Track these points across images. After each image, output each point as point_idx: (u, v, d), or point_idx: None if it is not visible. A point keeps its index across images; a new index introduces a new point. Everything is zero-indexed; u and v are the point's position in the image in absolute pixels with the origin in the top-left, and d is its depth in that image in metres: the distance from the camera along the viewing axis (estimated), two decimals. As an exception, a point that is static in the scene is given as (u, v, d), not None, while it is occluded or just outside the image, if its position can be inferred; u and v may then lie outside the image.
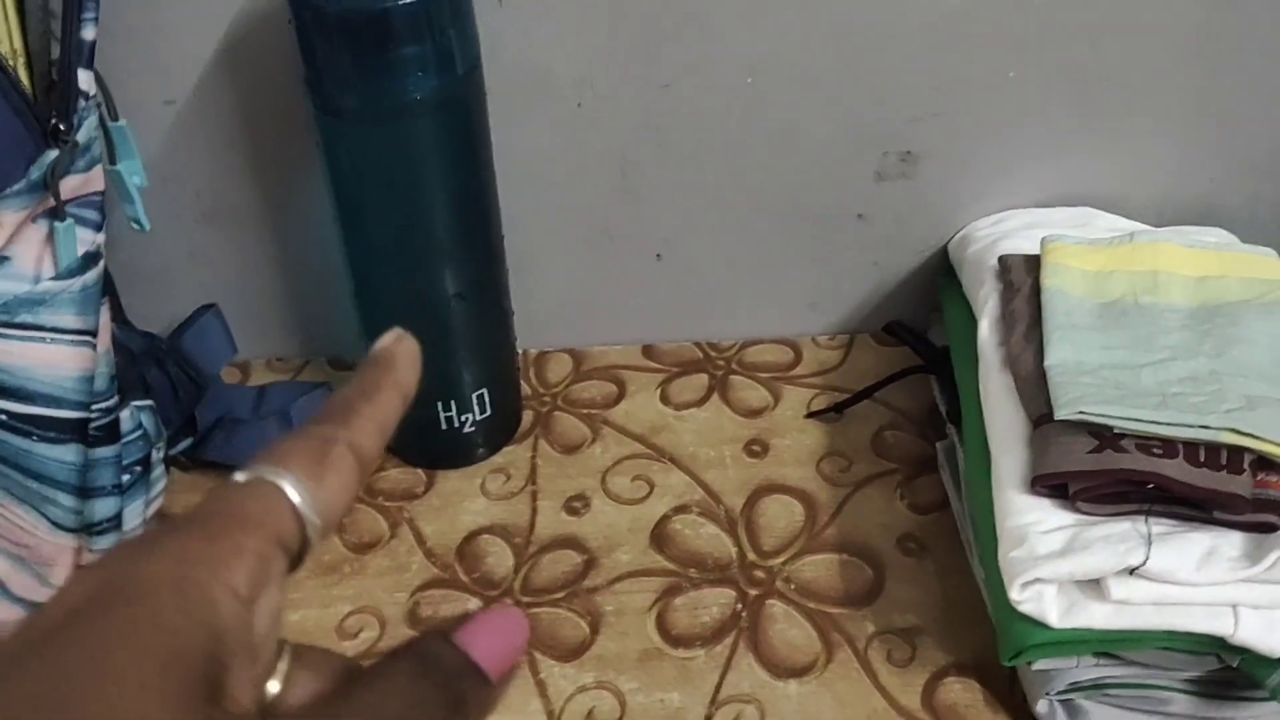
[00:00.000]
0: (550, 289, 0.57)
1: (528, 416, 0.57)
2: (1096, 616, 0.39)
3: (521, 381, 0.58)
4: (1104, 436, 0.41)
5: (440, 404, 0.51)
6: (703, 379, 0.58)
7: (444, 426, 0.52)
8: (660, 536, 0.51)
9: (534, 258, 0.55)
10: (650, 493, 0.53)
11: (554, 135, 0.52)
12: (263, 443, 0.56)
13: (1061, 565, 0.39)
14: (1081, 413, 0.41)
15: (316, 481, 0.22)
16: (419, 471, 0.54)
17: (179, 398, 0.50)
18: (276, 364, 0.59)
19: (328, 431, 0.23)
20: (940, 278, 0.57)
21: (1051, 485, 0.41)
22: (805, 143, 0.53)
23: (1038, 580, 0.39)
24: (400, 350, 0.26)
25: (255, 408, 0.54)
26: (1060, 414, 0.41)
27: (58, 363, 0.40)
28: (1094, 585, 0.40)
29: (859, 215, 0.56)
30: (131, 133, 0.45)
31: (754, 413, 0.56)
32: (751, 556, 0.50)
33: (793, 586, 0.48)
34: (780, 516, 0.51)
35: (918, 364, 0.55)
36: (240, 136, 0.51)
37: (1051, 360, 0.44)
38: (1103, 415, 0.41)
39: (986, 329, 0.48)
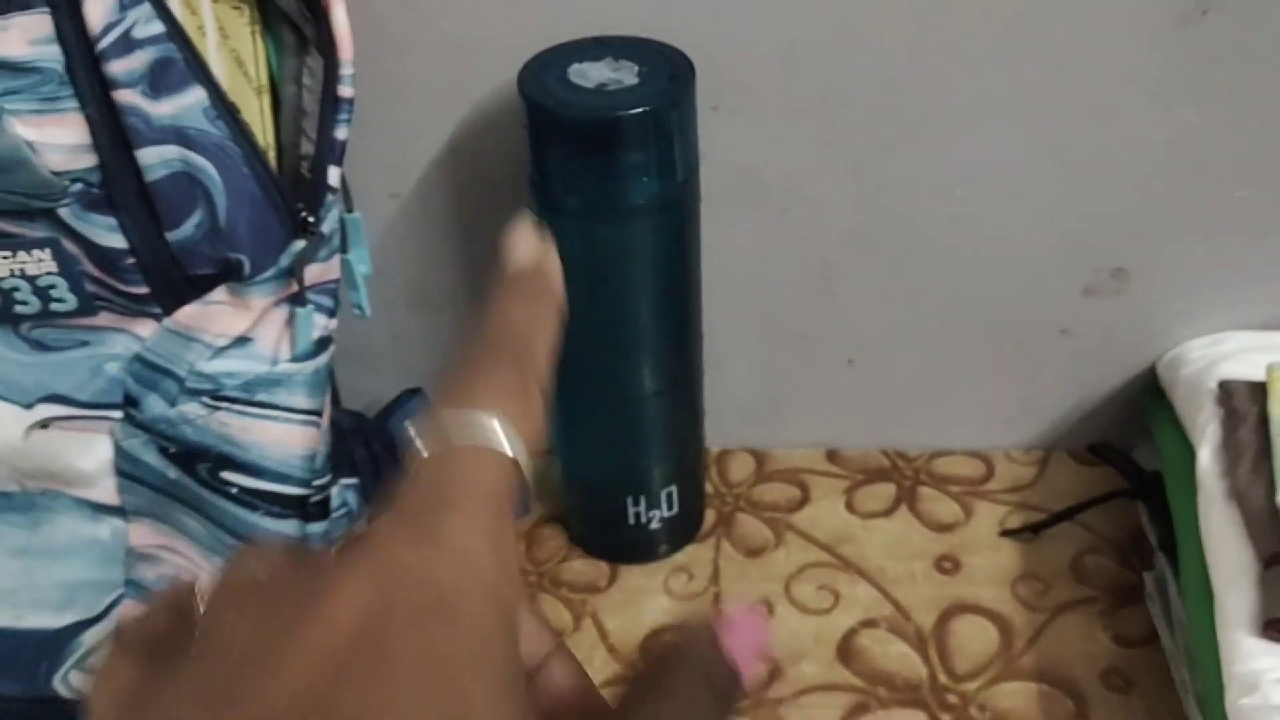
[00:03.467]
0: (737, 388, 0.57)
1: (709, 516, 0.56)
2: (1341, 780, 0.36)
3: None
4: (1351, 584, 0.38)
5: (630, 499, 0.52)
6: (889, 489, 0.57)
7: (631, 522, 0.52)
8: (847, 651, 0.49)
9: (725, 356, 0.55)
10: (836, 604, 0.51)
11: (757, 238, 0.52)
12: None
13: (1304, 721, 0.36)
14: (1328, 557, 0.38)
15: (526, 427, 0.20)
16: (602, 564, 0.54)
17: (380, 478, 0.51)
18: (466, 447, 0.60)
19: (525, 365, 0.21)
20: (1148, 398, 0.54)
21: (1290, 633, 0.39)
22: (1012, 255, 0.52)
23: (1276, 735, 0.37)
24: (551, 263, 0.24)
25: (446, 490, 0.55)
26: (1304, 557, 0.39)
27: (288, 441, 0.42)
28: (1338, 745, 0.37)
29: (1063, 330, 0.54)
30: (362, 224, 0.47)
31: (944, 527, 0.55)
32: (943, 679, 0.48)
33: (988, 715, 0.46)
34: (973, 638, 0.49)
35: (1124, 488, 0.52)
36: (454, 229, 0.53)
37: (1289, 497, 0.41)
38: (1352, 562, 0.38)
39: (1207, 458, 0.46)
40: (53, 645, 0.43)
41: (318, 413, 0.43)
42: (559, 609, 0.52)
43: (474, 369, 0.21)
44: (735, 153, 0.50)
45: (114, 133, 0.38)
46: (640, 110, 0.41)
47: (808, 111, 0.49)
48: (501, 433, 0.20)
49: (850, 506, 0.56)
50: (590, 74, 0.43)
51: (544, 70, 0.43)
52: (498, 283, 0.23)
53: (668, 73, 0.43)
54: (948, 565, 0.53)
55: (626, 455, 0.51)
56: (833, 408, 0.58)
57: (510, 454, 0.20)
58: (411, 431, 0.20)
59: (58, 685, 0.42)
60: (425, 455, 0.20)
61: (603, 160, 0.42)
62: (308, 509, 0.44)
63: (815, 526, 0.55)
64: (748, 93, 0.48)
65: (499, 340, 0.22)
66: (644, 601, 0.52)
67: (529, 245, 0.24)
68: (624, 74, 0.42)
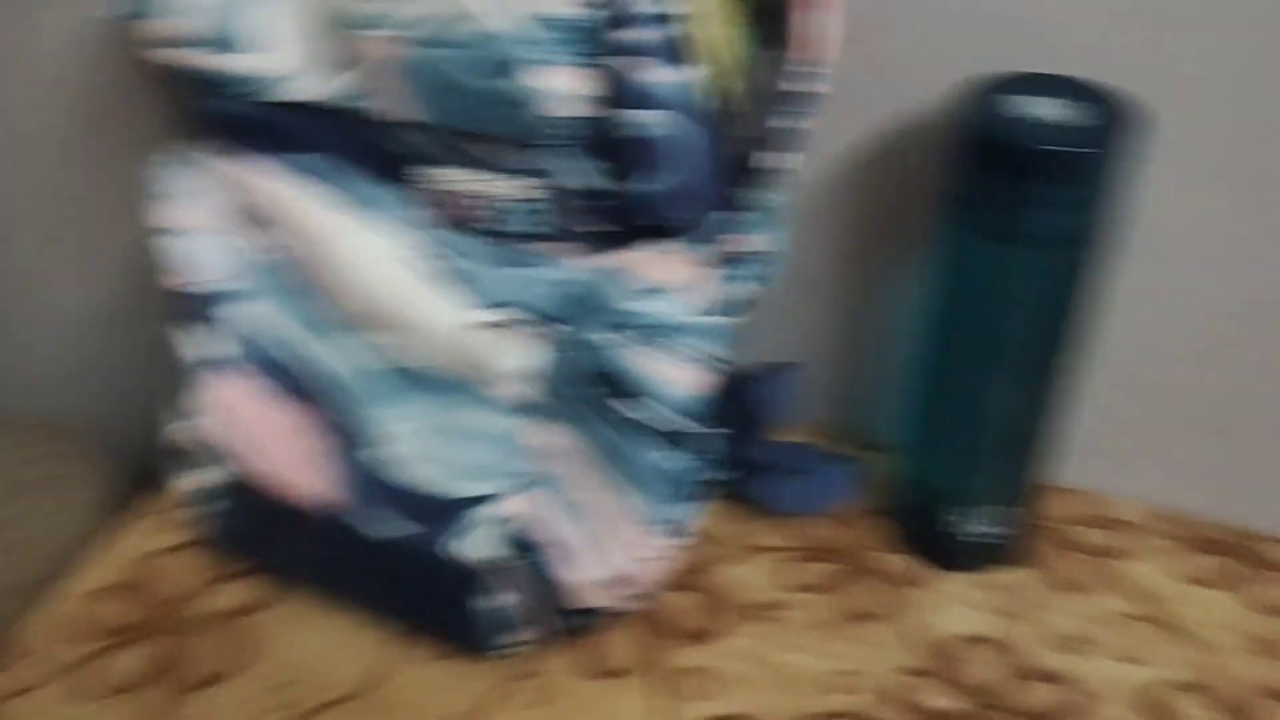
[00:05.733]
0: (1083, 424, 0.58)
1: (1031, 544, 0.57)
2: None
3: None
4: None
5: (958, 509, 0.54)
6: (1223, 561, 0.56)
7: (954, 531, 0.54)
8: (1155, 708, 0.50)
9: (1079, 391, 0.56)
10: (1149, 661, 0.52)
11: (1148, 290, 0.53)
12: (796, 498, 0.60)
13: None
14: None
15: None
16: (916, 565, 0.56)
17: (742, 436, 0.55)
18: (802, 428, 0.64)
19: None
20: None
21: None
22: None
23: None
24: None
25: (792, 461, 0.59)
26: None
27: (693, 385, 0.47)
28: None
29: None
30: (783, 207, 0.51)
31: (1277, 612, 0.54)
32: (1254, 763, 0.48)
33: (1298, 809, 0.46)
34: (1292, 731, 0.49)
35: None
36: (852, 224, 0.56)
37: None
38: None
39: None
40: (446, 511, 0.49)
41: (723, 363, 0.48)
42: (874, 598, 0.55)
43: None
44: (1154, 203, 0.50)
45: (616, 91, 0.43)
46: (1091, 150, 0.43)
47: (1245, 174, 0.49)
48: None
49: (1177, 569, 0.56)
50: (1036, 107, 0.44)
51: (990, 97, 0.45)
52: None
53: (1117, 117, 0.44)
54: (1276, 651, 0.52)
55: (971, 468, 0.53)
56: (1179, 467, 0.58)
57: None
58: None
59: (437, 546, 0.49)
60: None
61: (1050, 190, 0.44)
62: (693, 449, 0.48)
63: (1138, 579, 0.55)
64: (1189, 149, 0.49)
65: None
66: (955, 609, 0.54)
67: None
68: (1072, 111, 0.44)
